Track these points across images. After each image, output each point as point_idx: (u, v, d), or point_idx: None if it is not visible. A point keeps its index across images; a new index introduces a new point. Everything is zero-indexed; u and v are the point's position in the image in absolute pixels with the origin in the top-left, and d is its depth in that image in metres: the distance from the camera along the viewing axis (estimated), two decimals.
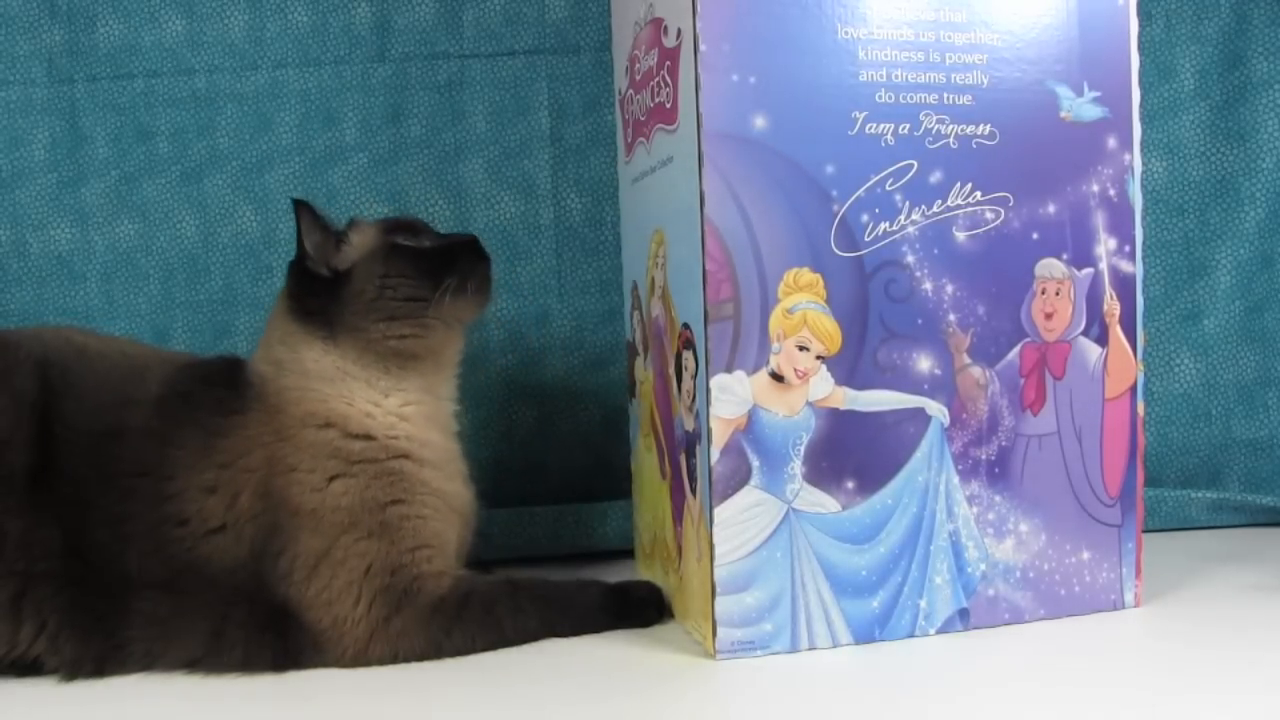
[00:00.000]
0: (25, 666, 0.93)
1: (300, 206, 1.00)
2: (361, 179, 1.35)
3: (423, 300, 1.00)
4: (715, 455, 0.94)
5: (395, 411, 1.01)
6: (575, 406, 1.38)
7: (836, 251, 0.95)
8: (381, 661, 0.95)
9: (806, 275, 0.95)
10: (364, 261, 1.02)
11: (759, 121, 0.92)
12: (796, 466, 0.95)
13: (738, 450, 0.94)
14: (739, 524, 0.94)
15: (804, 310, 0.95)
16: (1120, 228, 1.02)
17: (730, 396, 0.94)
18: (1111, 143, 1.01)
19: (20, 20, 1.33)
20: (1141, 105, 1.03)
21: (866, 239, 0.96)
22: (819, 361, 0.95)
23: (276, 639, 0.93)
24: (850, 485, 0.97)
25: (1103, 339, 1.03)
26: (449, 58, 1.35)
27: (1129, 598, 1.05)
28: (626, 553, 1.27)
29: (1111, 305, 1.03)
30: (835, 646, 0.97)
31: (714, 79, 0.92)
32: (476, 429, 1.16)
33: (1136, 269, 1.03)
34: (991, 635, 1.00)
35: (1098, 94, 1.01)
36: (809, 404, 0.95)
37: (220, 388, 1.00)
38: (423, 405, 1.03)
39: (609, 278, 1.38)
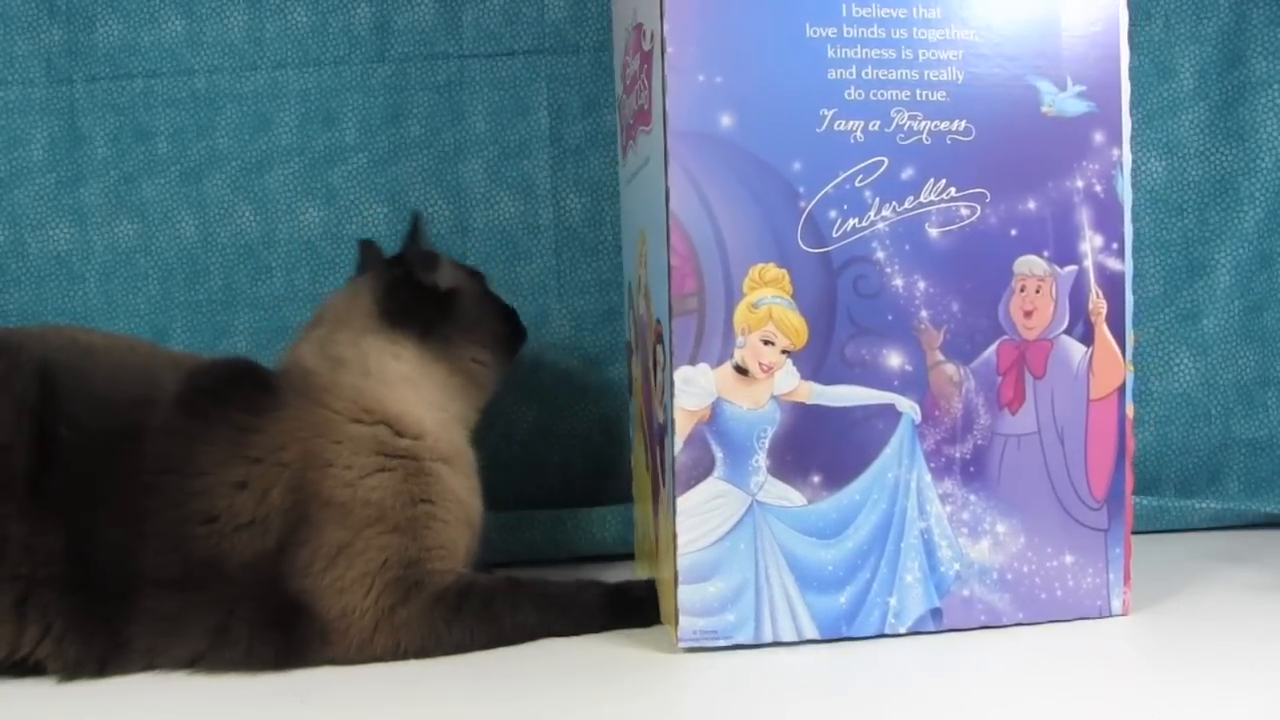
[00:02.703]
0: (28, 668, 0.94)
1: (418, 219, 1.09)
2: (361, 179, 1.37)
3: (500, 343, 1.14)
4: (678, 446, 0.96)
5: (441, 421, 1.07)
6: (575, 407, 1.39)
7: (803, 247, 0.96)
8: (384, 653, 0.96)
9: (772, 270, 0.96)
10: (466, 291, 1.13)
11: (725, 120, 0.94)
12: (761, 459, 0.96)
13: (701, 441, 0.96)
14: (702, 514, 0.96)
15: (769, 305, 0.96)
16: (1107, 225, 1.00)
17: (693, 388, 0.95)
18: (1098, 138, 0.99)
19: (19, 20, 1.35)
20: (1132, 100, 1.00)
21: (834, 235, 0.96)
22: (784, 356, 0.96)
23: (281, 634, 0.94)
24: (816, 480, 0.97)
25: (1087, 338, 1.00)
26: (449, 58, 1.37)
27: (1116, 604, 1.02)
28: (625, 557, 1.29)
29: (1097, 304, 1.00)
30: (800, 640, 0.97)
31: (680, 80, 0.94)
32: (476, 429, 1.14)
33: (1126, 267, 1.01)
34: (964, 636, 0.99)
35: (1082, 88, 0.99)
36: (774, 398, 0.96)
37: (250, 385, 1.01)
38: (459, 423, 1.10)
39: (608, 278, 1.39)
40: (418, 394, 1.06)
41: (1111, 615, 1.02)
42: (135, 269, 1.37)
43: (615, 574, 1.15)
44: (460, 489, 1.05)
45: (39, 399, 0.95)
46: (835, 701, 0.86)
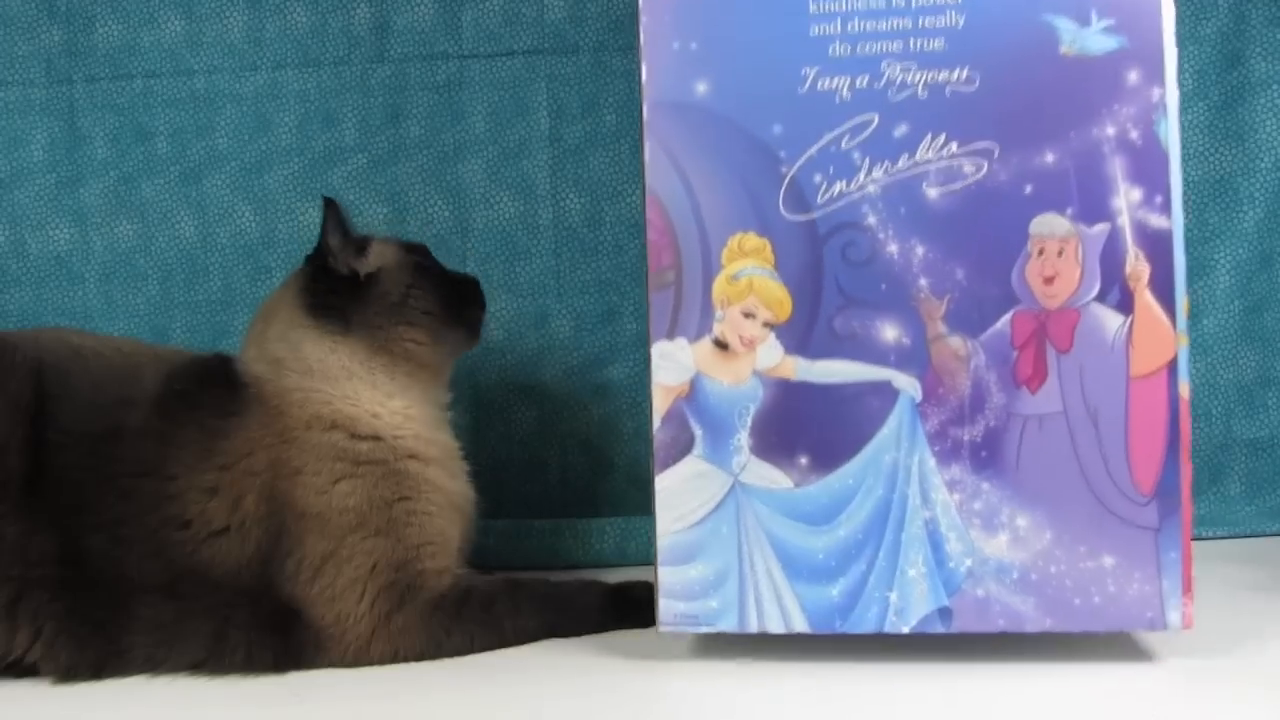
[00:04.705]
0: (21, 670, 0.95)
1: (331, 205, 1.04)
2: (361, 179, 1.37)
3: (436, 316, 1.07)
4: (656, 423, 0.93)
5: (400, 412, 1.03)
6: (574, 407, 1.37)
7: (785, 214, 0.91)
8: (382, 659, 0.96)
9: (752, 240, 0.92)
10: (390, 270, 1.07)
11: (700, 87, 0.91)
12: (743, 438, 0.92)
13: (679, 418, 0.93)
14: (681, 494, 0.93)
15: (749, 276, 0.92)
16: (1147, 175, 0.87)
17: (671, 364, 0.93)
18: (1132, 77, 0.87)
19: (19, 20, 1.35)
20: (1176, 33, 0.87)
21: (819, 200, 0.91)
22: (767, 329, 0.91)
23: (278, 639, 0.95)
24: (804, 461, 0.91)
25: (1125, 305, 0.88)
26: (448, 58, 1.37)
27: (1173, 617, 0.87)
28: (622, 568, 1.26)
29: (1137, 266, 0.87)
30: (789, 633, 0.91)
31: (654, 49, 0.92)
32: (476, 429, 1.15)
33: (1173, 223, 0.87)
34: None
35: (1110, 22, 0.87)
36: (756, 373, 0.92)
37: (218, 387, 1.01)
38: (423, 408, 1.06)
39: (607, 278, 1.37)
40: (366, 387, 1.02)
41: (1167, 628, 0.87)
42: (135, 269, 1.39)
43: (617, 573, 1.15)
44: (438, 478, 1.03)
45: (33, 400, 0.96)
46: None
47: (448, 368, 1.11)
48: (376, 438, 1.01)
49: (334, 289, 1.04)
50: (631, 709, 0.87)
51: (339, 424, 1.00)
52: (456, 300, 1.09)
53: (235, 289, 1.38)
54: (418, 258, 1.10)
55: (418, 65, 1.37)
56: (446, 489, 1.04)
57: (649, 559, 1.27)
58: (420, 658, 0.97)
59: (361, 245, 1.07)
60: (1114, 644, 0.91)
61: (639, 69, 0.92)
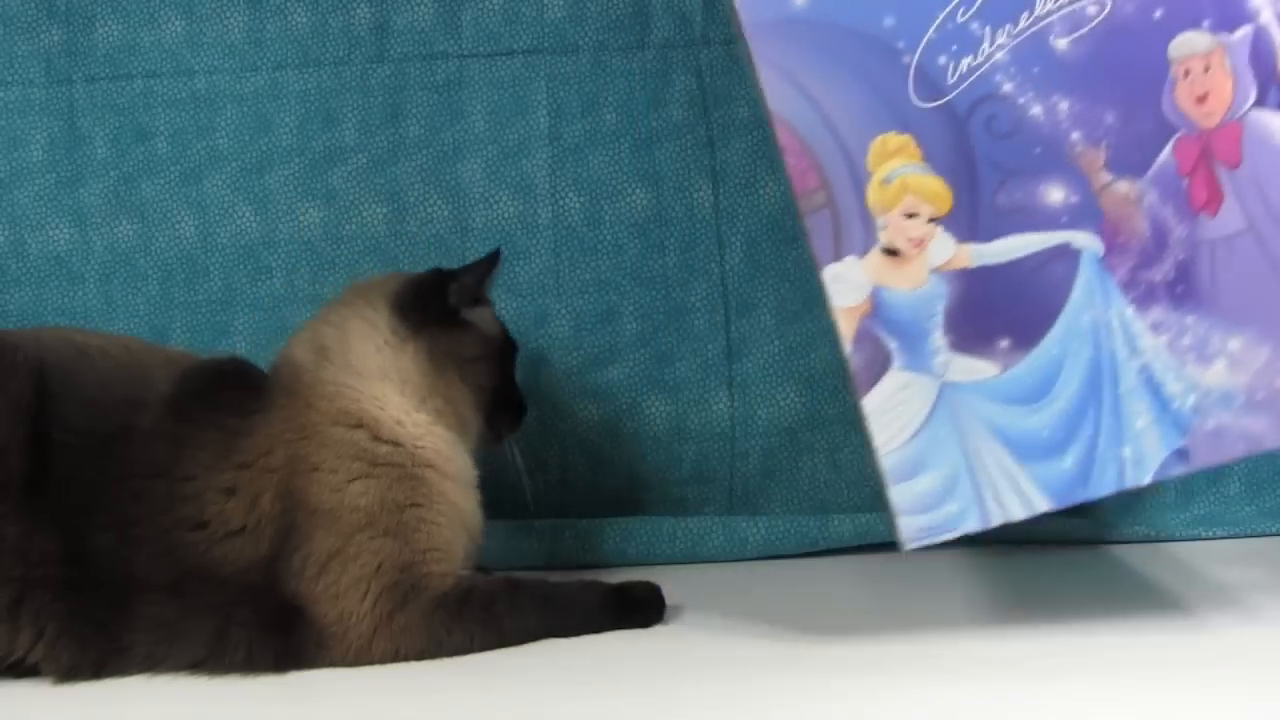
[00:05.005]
0: (23, 671, 0.94)
1: (495, 257, 1.10)
2: (361, 179, 1.34)
3: (479, 396, 1.07)
4: (848, 348, 0.91)
5: (424, 425, 1.03)
6: (574, 407, 1.35)
7: (919, 104, 0.89)
8: (383, 658, 0.96)
9: (894, 139, 0.89)
10: (483, 334, 1.09)
11: None
12: (939, 338, 0.90)
13: (870, 337, 0.91)
14: (891, 410, 0.91)
15: (901, 176, 0.89)
16: None
17: (845, 285, 0.90)
18: None
19: (18, 20, 1.32)
20: None
21: (950, 81, 0.88)
22: (933, 225, 0.89)
23: (280, 637, 0.94)
24: (1004, 344, 0.90)
25: None
26: (448, 58, 1.34)
27: None
28: (622, 568, 1.27)
29: None
30: (1032, 514, 0.90)
31: None
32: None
33: None
34: None
35: None
36: (934, 271, 0.90)
37: (238, 388, 1.02)
38: (447, 431, 1.06)
39: (607, 277, 1.34)
40: (396, 393, 1.02)
41: None
42: (135, 269, 1.35)
43: (617, 573, 1.15)
44: (451, 493, 1.02)
45: (35, 400, 0.95)
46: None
47: (471, 432, 1.09)
48: (397, 443, 1.01)
49: (429, 305, 1.05)
50: (632, 709, 0.86)
51: (364, 423, 1.00)
52: (506, 402, 1.10)
53: (235, 289, 1.35)
54: (507, 349, 1.12)
55: (418, 65, 1.34)
56: (459, 505, 1.04)
57: (649, 559, 1.30)
58: (420, 657, 0.97)
59: (481, 300, 1.10)
60: (1112, 644, 0.92)
61: None
